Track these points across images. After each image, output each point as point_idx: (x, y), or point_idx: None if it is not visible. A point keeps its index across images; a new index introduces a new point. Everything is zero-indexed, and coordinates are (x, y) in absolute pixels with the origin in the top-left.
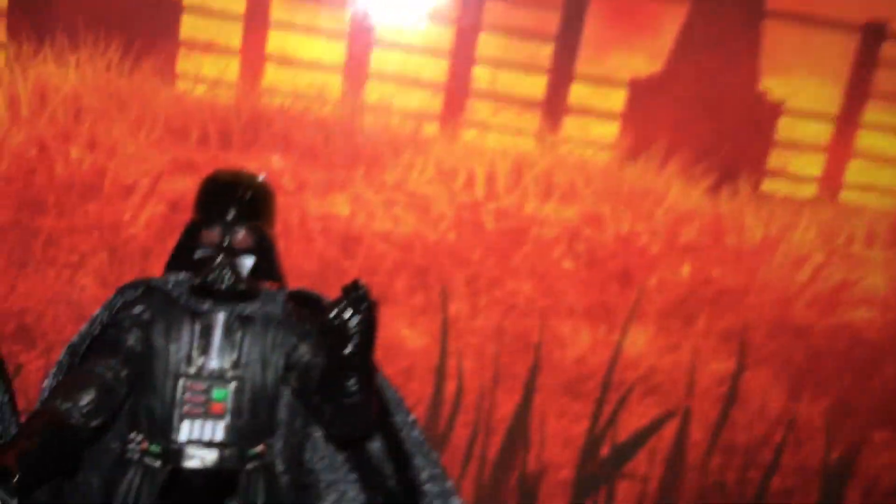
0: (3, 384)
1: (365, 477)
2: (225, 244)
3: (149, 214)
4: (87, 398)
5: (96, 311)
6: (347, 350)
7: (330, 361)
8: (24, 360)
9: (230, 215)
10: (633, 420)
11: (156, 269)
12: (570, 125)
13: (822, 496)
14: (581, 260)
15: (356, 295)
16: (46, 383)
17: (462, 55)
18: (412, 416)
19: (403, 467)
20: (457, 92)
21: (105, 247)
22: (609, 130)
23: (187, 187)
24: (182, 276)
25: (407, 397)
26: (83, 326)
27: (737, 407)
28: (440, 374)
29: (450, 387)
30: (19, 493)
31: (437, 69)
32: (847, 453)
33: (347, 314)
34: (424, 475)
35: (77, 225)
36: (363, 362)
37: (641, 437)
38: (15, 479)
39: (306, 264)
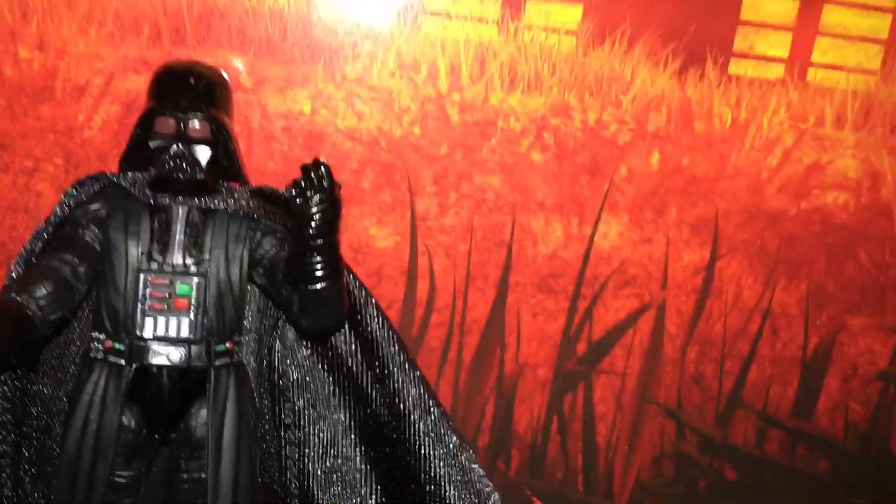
0: None
1: (339, 380)
2: (181, 132)
3: (103, 116)
4: (43, 290)
5: None
6: (311, 229)
7: (295, 244)
8: None
9: (184, 102)
10: (608, 315)
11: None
12: (532, 11)
13: (801, 385)
14: (549, 152)
15: (318, 173)
16: (7, 282)
17: None
18: (384, 317)
19: (381, 377)
20: None
21: (60, 151)
22: (572, 15)
23: (141, 87)
24: (140, 174)
25: (378, 299)
26: (40, 224)
27: (712, 298)
28: (411, 275)
29: (421, 288)
30: None
31: None
32: (825, 341)
33: (310, 193)
34: (404, 386)
35: (30, 128)
36: (328, 244)
37: (617, 332)
38: None
39: (268, 164)
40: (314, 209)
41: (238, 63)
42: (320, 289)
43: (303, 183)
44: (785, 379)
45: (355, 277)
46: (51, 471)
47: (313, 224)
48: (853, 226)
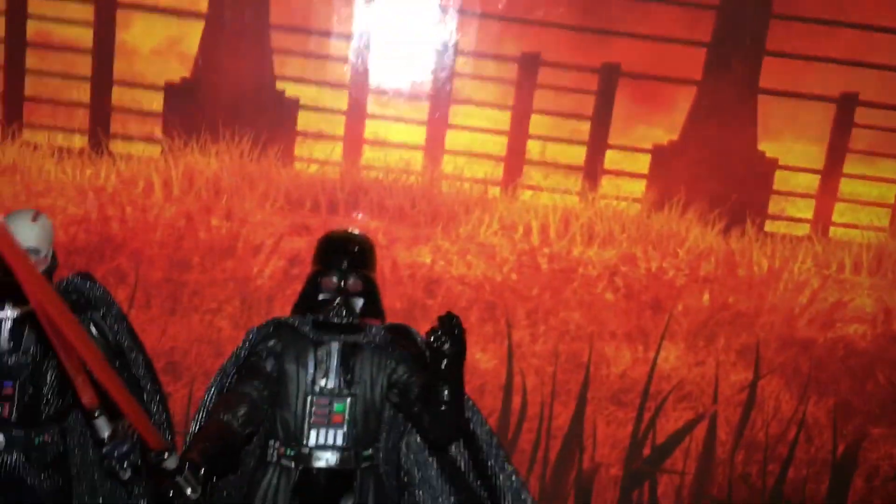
0: (163, 405)
1: (451, 476)
2: (342, 288)
3: (272, 269)
4: (241, 411)
5: (233, 347)
6: (443, 365)
7: (429, 376)
8: (171, 390)
9: (345, 265)
10: (669, 424)
11: (277, 312)
12: (606, 184)
13: (832, 483)
14: (620, 292)
15: (450, 323)
16: (204, 400)
17: (518, 132)
18: (487, 426)
19: (483, 469)
20: (515, 161)
21: (238, 295)
22: (638, 187)
23: (302, 246)
24: (305, 317)
25: (480, 410)
26: (228, 359)
27: (755, 410)
28: (507, 390)
29: (515, 401)
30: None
31: (498, 144)
32: (851, 446)
33: (444, 339)
34: (501, 475)
35: (216, 279)
36: (455, 376)
37: (677, 438)
38: (203, 472)
39: (397, 303)
40: (447, 351)
41: (375, 224)
42: (446, 410)
43: (439, 331)
44: (818, 478)
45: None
46: None
47: (445, 363)
48: (871, 351)
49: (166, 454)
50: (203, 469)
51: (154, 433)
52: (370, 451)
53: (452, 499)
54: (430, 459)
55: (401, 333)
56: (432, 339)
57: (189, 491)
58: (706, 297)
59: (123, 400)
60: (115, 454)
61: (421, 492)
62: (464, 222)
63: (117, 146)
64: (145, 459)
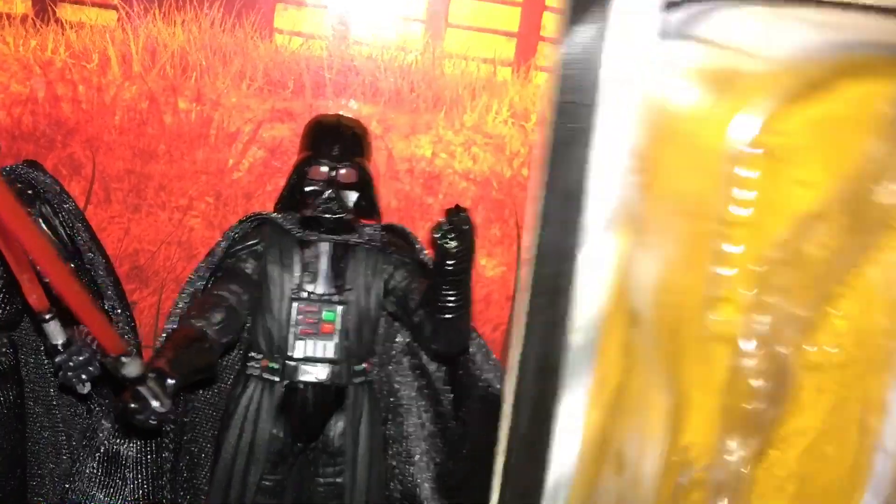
0: (126, 313)
1: (432, 405)
2: (332, 178)
3: (250, 160)
4: (217, 317)
5: (206, 250)
6: (449, 267)
7: (434, 277)
8: (136, 298)
9: (336, 152)
10: None
11: (256, 210)
12: None
13: None
14: None
15: (458, 218)
16: (175, 307)
17: (533, 3)
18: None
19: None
20: (529, 38)
21: (211, 190)
22: None
23: (284, 134)
24: (291, 213)
25: (486, 323)
26: (202, 260)
27: None
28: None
29: None
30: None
31: (510, 17)
32: None
33: (451, 235)
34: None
35: (185, 171)
36: (463, 280)
37: None
38: (171, 382)
39: (393, 202)
40: (454, 249)
41: (353, 104)
42: (451, 318)
43: (445, 226)
44: None
45: None
46: (201, 475)
47: (452, 262)
48: None
49: (125, 359)
50: (172, 379)
51: (112, 336)
52: (364, 365)
53: (431, 426)
54: (413, 380)
55: (398, 235)
56: (438, 236)
57: (155, 403)
58: None
59: (76, 298)
60: (71, 364)
61: (406, 416)
62: (469, 109)
63: (66, 12)
64: (104, 368)
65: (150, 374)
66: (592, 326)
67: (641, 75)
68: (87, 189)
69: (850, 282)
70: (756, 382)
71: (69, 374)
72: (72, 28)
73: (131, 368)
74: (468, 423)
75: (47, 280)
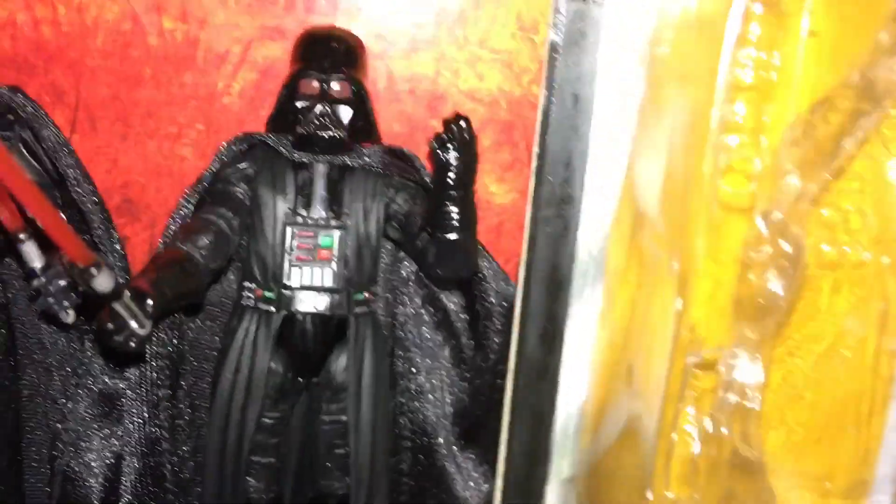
0: (115, 245)
1: (444, 338)
2: (325, 92)
3: (241, 83)
4: (205, 240)
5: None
6: (450, 180)
7: (434, 194)
8: (129, 233)
9: (327, 64)
10: None
11: None
12: None
13: None
14: None
15: (458, 127)
16: (165, 234)
17: None
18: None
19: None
20: None
21: (201, 117)
22: None
23: (276, 54)
24: (283, 135)
25: (498, 254)
26: (192, 185)
27: None
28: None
29: None
30: (152, 317)
31: None
32: None
33: (451, 146)
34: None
35: (174, 96)
36: (465, 195)
37: None
38: (150, 301)
39: (394, 126)
40: (454, 161)
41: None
42: (455, 238)
43: (444, 136)
44: None
45: None
46: (202, 413)
47: (452, 175)
48: None
49: (94, 269)
50: (152, 299)
51: (78, 246)
52: (365, 294)
53: (445, 359)
54: (423, 310)
55: (399, 157)
56: (436, 146)
57: (133, 323)
58: None
59: (34, 202)
60: (51, 288)
61: (415, 349)
62: (473, 21)
63: None
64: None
65: (128, 293)
66: (602, 235)
67: None
68: (71, 118)
69: (863, 173)
70: (770, 275)
71: (49, 299)
72: None
73: (102, 281)
74: (487, 349)
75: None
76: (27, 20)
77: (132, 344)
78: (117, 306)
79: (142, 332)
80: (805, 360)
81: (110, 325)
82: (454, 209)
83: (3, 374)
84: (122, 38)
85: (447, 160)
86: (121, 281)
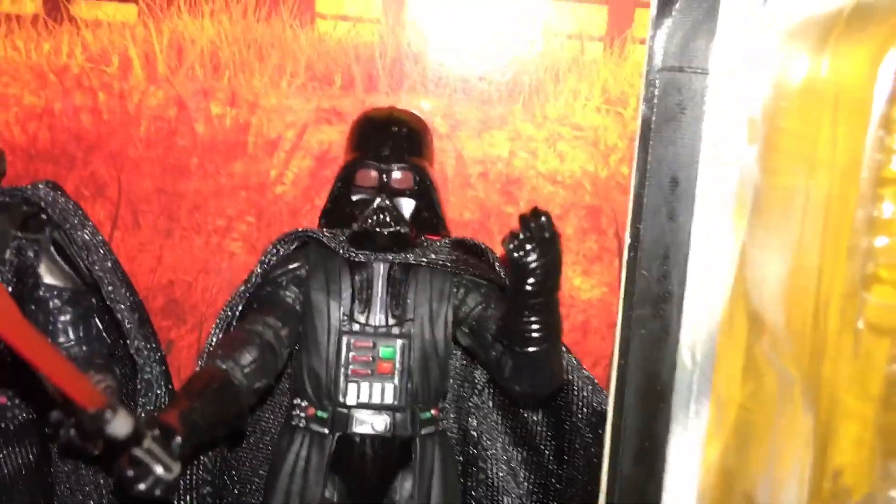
0: (156, 355)
1: (526, 455)
2: (384, 183)
3: (295, 170)
4: (248, 357)
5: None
6: (529, 287)
7: (510, 302)
8: (174, 336)
9: (386, 152)
10: None
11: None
12: None
13: None
14: None
15: (537, 224)
16: (207, 344)
17: None
18: (586, 373)
19: (562, 454)
20: (623, 6)
21: (252, 208)
22: None
23: (333, 138)
24: (338, 230)
25: (584, 357)
26: (237, 287)
27: None
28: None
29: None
30: (183, 457)
31: None
32: None
33: (529, 246)
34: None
35: (222, 187)
36: (547, 303)
37: None
38: (177, 440)
39: (465, 213)
40: (534, 264)
41: (427, 105)
42: (536, 351)
43: (521, 234)
44: None
45: None
46: None
47: (532, 280)
48: None
49: (108, 413)
50: (179, 436)
51: (86, 387)
52: (433, 411)
53: (526, 480)
54: (500, 421)
55: (470, 251)
56: (512, 248)
57: (159, 468)
58: None
59: (36, 353)
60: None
61: (492, 468)
62: (553, 96)
63: (80, 9)
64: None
65: (151, 432)
66: (708, 339)
67: (760, 33)
68: (112, 213)
69: None
70: None
71: (71, 431)
72: (87, 27)
73: (117, 425)
74: (574, 468)
75: None
76: (65, 109)
77: (157, 492)
78: (138, 451)
79: (169, 476)
80: None
81: (131, 473)
82: (534, 319)
83: (34, 495)
84: (167, 125)
85: (526, 263)
86: (142, 418)
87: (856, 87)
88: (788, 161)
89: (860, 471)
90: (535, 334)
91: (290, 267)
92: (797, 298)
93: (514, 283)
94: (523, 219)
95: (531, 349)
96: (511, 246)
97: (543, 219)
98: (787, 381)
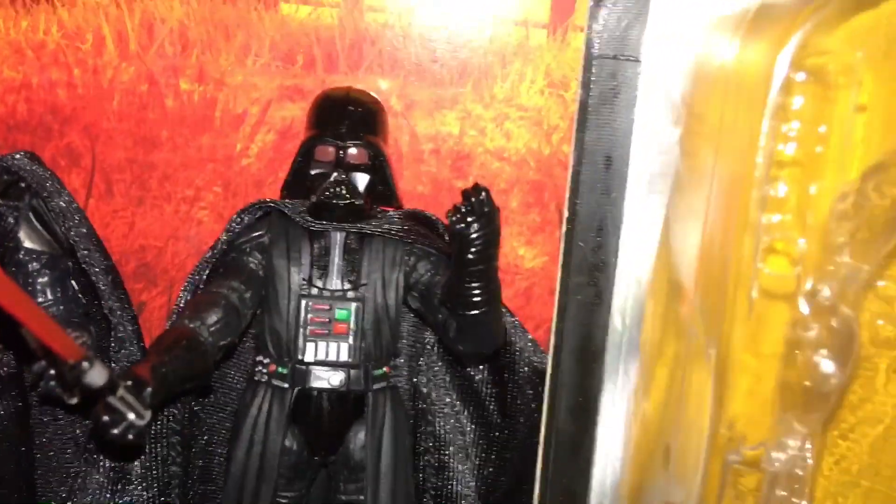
0: (129, 315)
1: (471, 410)
2: (340, 158)
3: (259, 144)
4: (213, 317)
5: None
6: (470, 255)
7: (454, 270)
8: (146, 298)
9: (343, 129)
10: None
11: (269, 199)
12: None
13: None
14: None
15: (478, 199)
16: (176, 307)
17: None
18: (529, 336)
19: (504, 409)
20: None
21: (219, 179)
22: None
23: (295, 115)
24: (299, 201)
25: (527, 320)
26: (205, 254)
27: None
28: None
29: None
30: (153, 406)
31: None
32: None
33: (470, 219)
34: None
35: (191, 158)
36: (487, 269)
37: None
38: (148, 390)
39: (417, 186)
40: (474, 235)
41: (383, 85)
42: (477, 314)
43: (463, 208)
44: None
45: None
46: (213, 491)
47: (473, 249)
48: None
49: (85, 364)
50: (150, 387)
51: (65, 340)
52: (384, 368)
53: (472, 432)
54: (448, 378)
55: (421, 222)
56: (455, 220)
57: (131, 415)
58: None
59: (15, 301)
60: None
61: (440, 422)
62: (500, 79)
63: None
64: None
65: (126, 382)
66: (636, 304)
67: (685, 26)
68: (87, 181)
69: None
70: (819, 356)
71: (51, 382)
72: (63, 6)
73: (94, 375)
74: (515, 421)
75: None
76: (42, 82)
77: (130, 436)
78: (113, 399)
79: (140, 422)
80: (860, 445)
81: (106, 419)
82: (475, 285)
83: (16, 444)
84: (139, 100)
85: (467, 234)
86: (116, 371)
87: (755, 78)
88: (700, 144)
89: (753, 420)
90: (475, 299)
91: (254, 235)
92: (705, 268)
93: (456, 253)
94: (465, 193)
95: (472, 312)
96: (454, 218)
97: (483, 194)
98: (696, 342)
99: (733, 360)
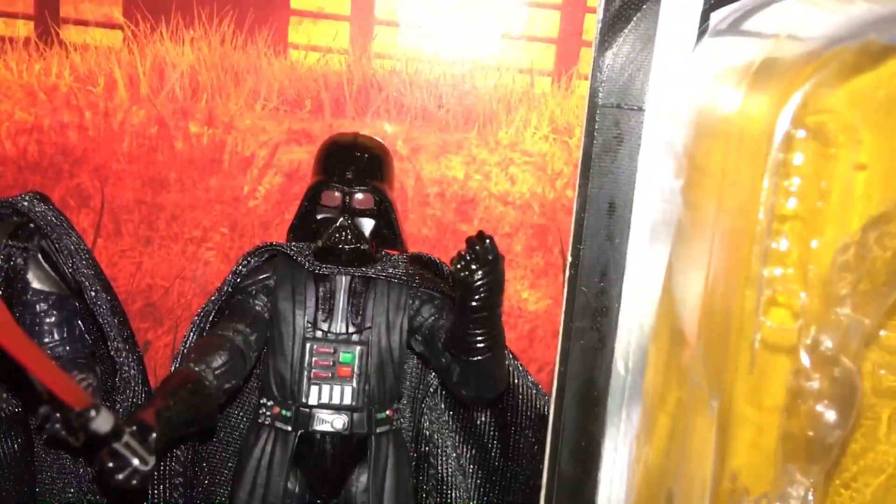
0: (134, 355)
1: (474, 453)
2: (347, 204)
3: (267, 186)
4: (219, 360)
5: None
6: (474, 303)
7: (457, 316)
8: (151, 337)
9: (350, 175)
10: None
11: (275, 240)
12: None
13: None
14: None
15: (482, 246)
16: (181, 348)
17: (574, 4)
18: (532, 380)
19: (507, 452)
20: (570, 44)
21: (226, 220)
22: None
23: (302, 157)
24: (305, 244)
25: (530, 363)
26: (211, 296)
27: None
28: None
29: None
30: (158, 451)
31: (549, 22)
32: None
33: (475, 266)
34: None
35: (198, 200)
36: (491, 317)
37: None
38: (153, 436)
39: (422, 229)
40: (479, 282)
41: (390, 129)
42: (480, 360)
43: (468, 256)
44: None
45: None
46: None
47: (477, 297)
48: None
49: (92, 412)
50: (154, 432)
51: (73, 388)
52: (388, 412)
53: (474, 475)
54: (450, 421)
55: (426, 265)
56: (459, 268)
57: (136, 461)
58: None
59: (26, 351)
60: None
61: (442, 464)
62: (505, 124)
63: (70, 34)
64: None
65: (130, 428)
66: (639, 350)
67: (688, 77)
68: (96, 222)
69: None
70: (821, 407)
71: (57, 424)
72: (76, 50)
73: (100, 423)
74: (518, 464)
75: None
76: (53, 124)
77: (134, 482)
78: (118, 446)
79: (145, 468)
80: (862, 494)
81: (111, 465)
82: (479, 331)
83: (19, 483)
84: (148, 142)
85: (471, 282)
86: (121, 416)
87: (757, 133)
88: (703, 196)
89: (756, 472)
90: (479, 345)
91: (260, 277)
92: (708, 319)
93: (460, 299)
94: (470, 241)
95: (475, 358)
96: (458, 266)
97: (488, 242)
98: (698, 391)
99: (735, 413)
